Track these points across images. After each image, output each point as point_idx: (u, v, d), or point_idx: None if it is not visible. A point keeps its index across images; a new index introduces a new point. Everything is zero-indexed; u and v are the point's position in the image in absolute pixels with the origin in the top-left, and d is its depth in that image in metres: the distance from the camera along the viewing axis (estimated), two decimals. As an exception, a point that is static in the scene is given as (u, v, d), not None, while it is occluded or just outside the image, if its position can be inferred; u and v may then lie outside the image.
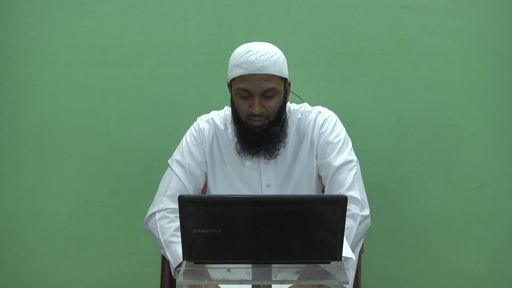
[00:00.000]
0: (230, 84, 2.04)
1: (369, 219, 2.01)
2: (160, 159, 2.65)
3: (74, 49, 2.66)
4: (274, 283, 1.49)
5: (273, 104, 1.98)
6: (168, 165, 2.14)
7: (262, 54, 1.96)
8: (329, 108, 2.22)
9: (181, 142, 2.17)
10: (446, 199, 2.64)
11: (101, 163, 2.69)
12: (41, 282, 2.76)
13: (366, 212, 2.00)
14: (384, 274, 2.69)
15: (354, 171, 2.03)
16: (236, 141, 2.09)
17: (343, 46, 2.61)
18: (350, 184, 2.01)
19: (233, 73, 1.98)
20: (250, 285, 1.56)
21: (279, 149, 2.08)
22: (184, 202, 1.41)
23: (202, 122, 2.17)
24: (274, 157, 2.08)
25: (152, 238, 2.06)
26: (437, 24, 2.59)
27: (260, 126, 2.00)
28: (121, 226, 2.72)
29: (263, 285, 1.51)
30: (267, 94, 1.96)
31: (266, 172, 2.11)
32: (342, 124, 2.14)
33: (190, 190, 2.10)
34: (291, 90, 2.13)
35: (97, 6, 2.65)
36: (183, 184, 2.08)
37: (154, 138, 2.68)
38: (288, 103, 2.16)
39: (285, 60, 2.04)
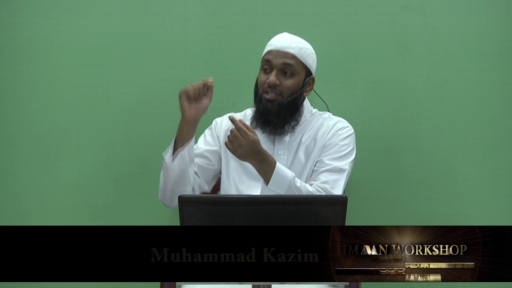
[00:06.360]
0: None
1: None
2: (160, 159, 2.66)
3: (73, 49, 2.65)
4: (274, 283, 1.49)
5: (288, 82, 2.11)
6: None
7: (292, 39, 2.16)
8: (328, 108, 2.29)
9: None
10: (446, 199, 2.64)
11: (101, 163, 2.69)
12: (40, 282, 2.75)
13: None
14: (384, 274, 2.69)
15: (344, 180, 2.12)
16: (251, 121, 2.19)
17: (342, 46, 2.61)
18: (334, 186, 2.11)
19: (264, 51, 2.17)
20: (251, 285, 1.56)
21: (287, 125, 2.15)
22: (184, 202, 1.41)
23: (220, 118, 2.28)
24: (280, 134, 2.16)
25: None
26: (437, 24, 2.59)
27: (272, 101, 2.11)
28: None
29: (263, 285, 1.51)
30: (285, 70, 2.11)
31: (279, 142, 2.19)
32: (355, 141, 2.22)
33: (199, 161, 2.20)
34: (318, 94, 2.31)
35: (96, 6, 2.64)
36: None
37: (154, 138, 2.67)
38: (311, 106, 2.27)
39: (314, 57, 2.21)
